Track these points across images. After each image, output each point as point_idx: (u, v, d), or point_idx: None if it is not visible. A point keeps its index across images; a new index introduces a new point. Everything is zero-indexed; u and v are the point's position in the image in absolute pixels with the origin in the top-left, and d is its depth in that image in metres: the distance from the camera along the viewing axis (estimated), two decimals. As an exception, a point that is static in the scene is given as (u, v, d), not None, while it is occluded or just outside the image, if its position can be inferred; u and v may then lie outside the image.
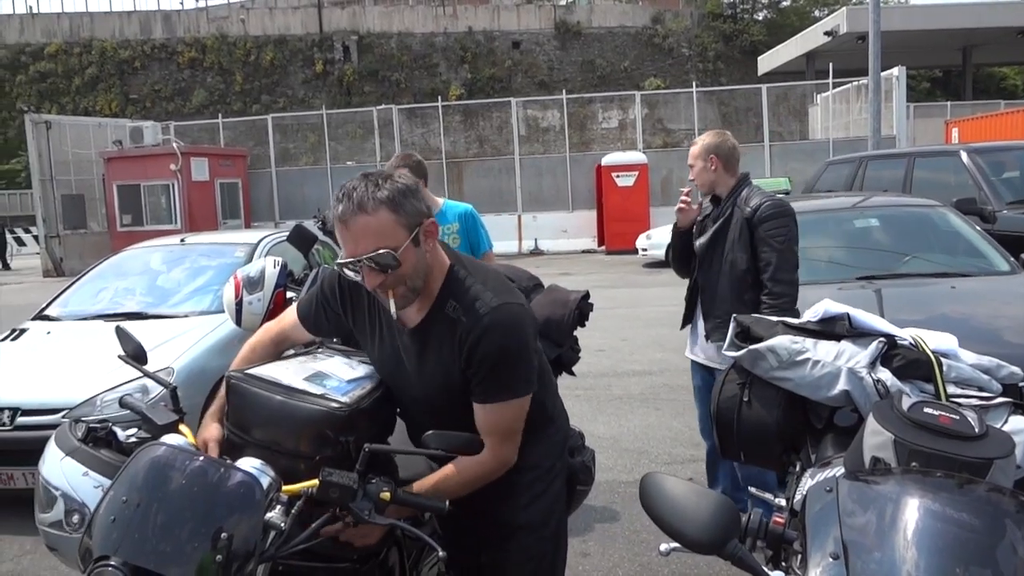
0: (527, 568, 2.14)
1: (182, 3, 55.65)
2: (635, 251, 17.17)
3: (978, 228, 5.58)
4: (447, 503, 1.91)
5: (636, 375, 7.06)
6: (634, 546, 3.83)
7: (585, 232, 20.70)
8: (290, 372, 1.96)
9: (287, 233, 5.51)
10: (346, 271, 1.87)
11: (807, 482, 1.75)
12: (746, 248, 3.47)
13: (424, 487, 1.95)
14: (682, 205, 3.75)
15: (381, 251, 1.79)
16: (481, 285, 1.95)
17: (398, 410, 2.15)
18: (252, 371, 1.96)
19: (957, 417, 1.64)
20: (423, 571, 2.50)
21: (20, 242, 30.43)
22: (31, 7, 41.52)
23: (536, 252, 20.34)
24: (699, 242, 3.73)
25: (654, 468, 4.84)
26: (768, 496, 2.38)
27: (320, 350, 2.20)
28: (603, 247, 19.93)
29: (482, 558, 2.18)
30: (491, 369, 1.91)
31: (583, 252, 20.21)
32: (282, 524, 1.69)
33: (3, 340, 5.32)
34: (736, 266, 3.50)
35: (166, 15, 40.51)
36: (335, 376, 1.97)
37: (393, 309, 1.86)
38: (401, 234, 1.82)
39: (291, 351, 3.40)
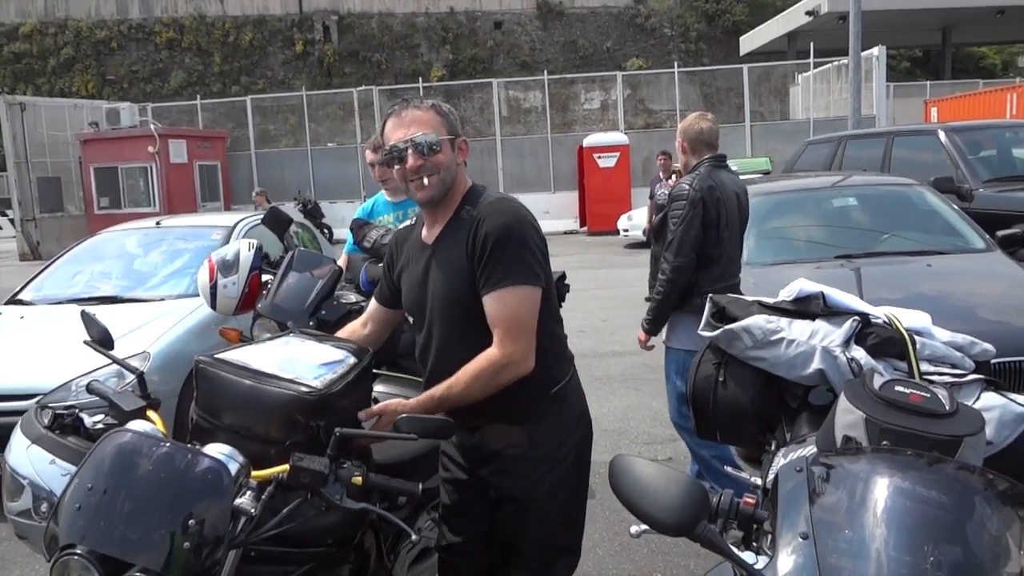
0: (538, 540, 2.20)
1: (158, -18, 54.66)
2: (617, 232, 17.17)
3: (955, 207, 5.61)
4: (420, 487, 1.89)
5: (616, 356, 7.07)
6: (613, 525, 3.85)
7: (567, 213, 20.67)
8: (261, 356, 1.93)
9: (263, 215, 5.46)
10: (392, 158, 2.11)
11: (779, 461, 1.75)
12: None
13: (433, 396, 2.05)
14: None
15: (427, 133, 2.07)
16: (493, 193, 2.20)
17: (419, 336, 2.25)
18: (222, 355, 1.93)
19: (928, 395, 1.64)
20: (400, 554, 2.50)
21: (-5, 226, 29.95)
22: (3, -14, 40.68)
23: (518, 233, 20.29)
24: (653, 221, 3.99)
25: (634, 448, 4.86)
26: (744, 476, 2.39)
27: (293, 335, 2.17)
28: (585, 228, 19.92)
29: (498, 533, 2.25)
30: (494, 248, 2.02)
31: (565, 233, 20.18)
32: (252, 510, 1.68)
33: (-25, 325, 5.25)
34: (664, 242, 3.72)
35: (142, -6, 39.80)
36: (306, 361, 1.95)
37: (430, 190, 2.09)
38: (443, 131, 2.12)
39: (266, 336, 3.37)
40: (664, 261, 3.55)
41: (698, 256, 3.54)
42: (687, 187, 3.55)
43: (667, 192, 8.41)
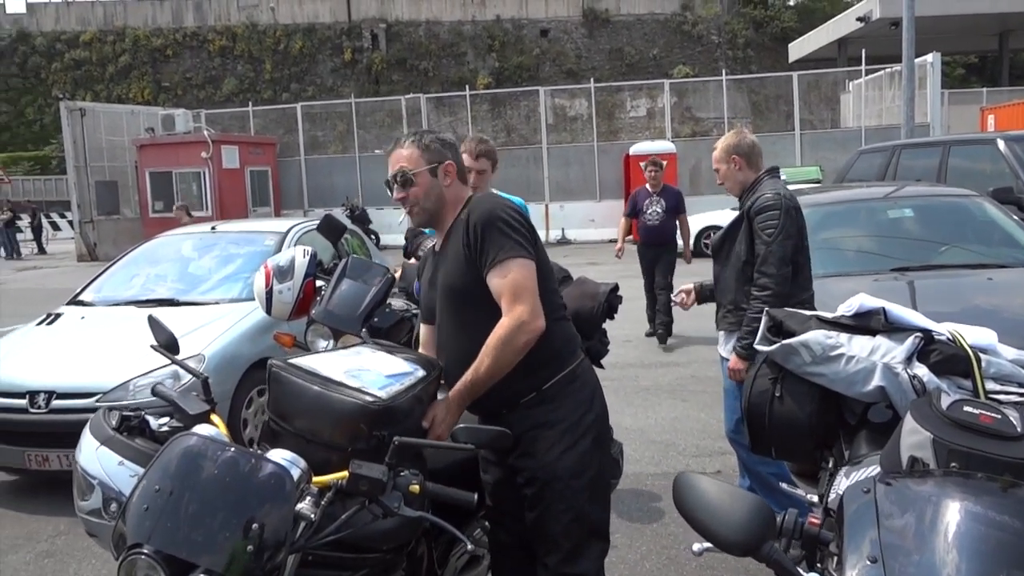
0: (565, 518, 2.27)
1: (212, -9, 55.89)
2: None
3: (1015, 218, 5.45)
4: (475, 496, 1.90)
5: (663, 366, 7.02)
6: (662, 539, 3.81)
7: (612, 222, 20.47)
8: (332, 364, 1.97)
9: (316, 222, 5.54)
10: (389, 189, 2.39)
11: (842, 481, 1.72)
12: (747, 240, 3.49)
13: (466, 382, 2.19)
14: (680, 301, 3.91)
15: (401, 169, 2.33)
16: (479, 196, 2.45)
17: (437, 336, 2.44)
18: (294, 360, 1.98)
19: (998, 416, 1.60)
20: (450, 562, 2.51)
21: (55, 227, 30.92)
22: (66, -4, 42.05)
23: (563, 241, 20.27)
24: (715, 236, 3.76)
25: (681, 460, 4.81)
26: (800, 493, 2.35)
27: (366, 345, 2.22)
28: (630, 237, 19.79)
29: (526, 517, 2.33)
30: (482, 233, 2.23)
31: (610, 241, 20.08)
32: (312, 515, 1.70)
33: (39, 324, 5.41)
34: (739, 258, 3.53)
35: (197, 3, 40.80)
36: (375, 371, 1.98)
37: (410, 220, 2.43)
38: (421, 163, 2.33)
39: (320, 341, 3.42)
40: (764, 275, 3.35)
41: None
42: (773, 198, 3.41)
43: (659, 210, 7.96)
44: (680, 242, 8.40)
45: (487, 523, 2.51)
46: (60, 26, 40.86)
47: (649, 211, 8.08)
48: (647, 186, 8.24)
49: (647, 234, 8.14)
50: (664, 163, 8.46)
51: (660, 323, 8.01)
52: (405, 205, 2.36)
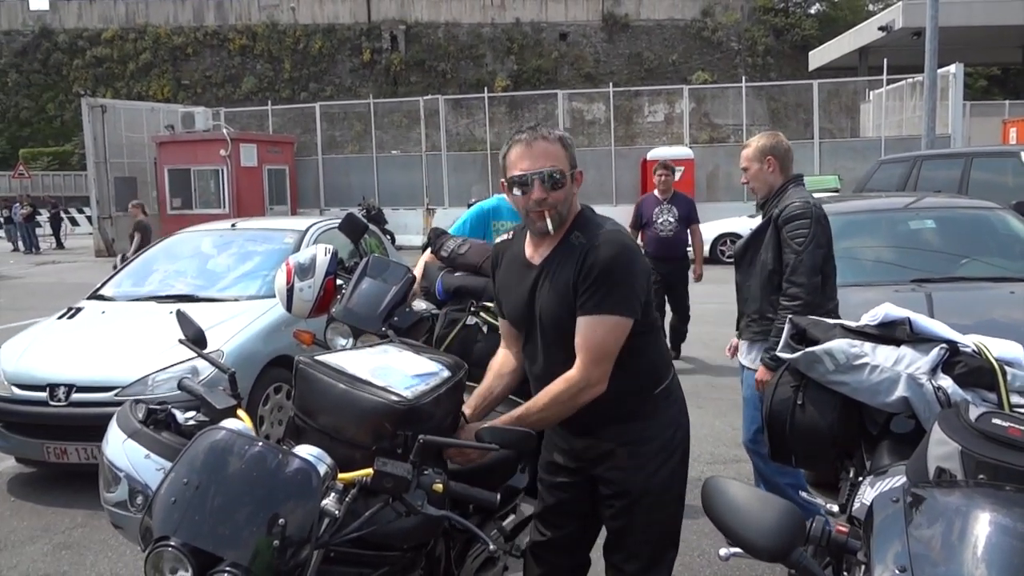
0: (653, 532, 2.28)
1: (234, -10, 56.28)
2: (679, 247, 16.99)
3: (1039, 232, 5.41)
4: (497, 497, 1.91)
5: (679, 373, 6.98)
6: (676, 545, 3.80)
7: (628, 227, 20.56)
8: (358, 362, 1.98)
9: (336, 220, 5.56)
10: (515, 185, 2.16)
11: (866, 490, 1.72)
12: (773, 248, 3.43)
13: (511, 418, 2.13)
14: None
15: (556, 168, 2.13)
16: (603, 222, 2.26)
17: (526, 347, 2.32)
18: (321, 358, 1.99)
19: (1027, 429, 1.59)
20: (467, 562, 2.52)
21: (74, 222, 31.19)
22: (89, -7, 42.46)
23: (578, 245, 20.23)
24: (737, 244, 3.70)
25: (696, 467, 4.79)
26: (819, 502, 2.35)
27: (392, 344, 2.22)
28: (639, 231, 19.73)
29: (608, 525, 2.34)
30: (598, 277, 2.09)
31: (626, 246, 20.08)
32: (337, 512, 1.71)
33: (60, 318, 5.47)
34: (765, 266, 3.47)
35: (218, 2, 41.12)
36: (401, 370, 1.99)
37: (550, 226, 2.15)
38: (567, 164, 2.18)
39: (340, 340, 3.44)
40: (793, 284, 3.30)
41: None
42: (802, 206, 3.37)
43: (672, 220, 7.10)
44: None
45: (533, 521, 2.50)
46: (82, 23, 41.27)
47: (660, 221, 7.22)
48: (655, 193, 7.40)
49: (658, 247, 7.21)
50: (676, 168, 7.52)
51: (674, 335, 7.41)
52: (543, 206, 2.13)
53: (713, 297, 8.47)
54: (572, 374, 2.11)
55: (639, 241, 7.02)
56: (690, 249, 7.54)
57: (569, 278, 2.14)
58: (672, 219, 7.19)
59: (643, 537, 2.28)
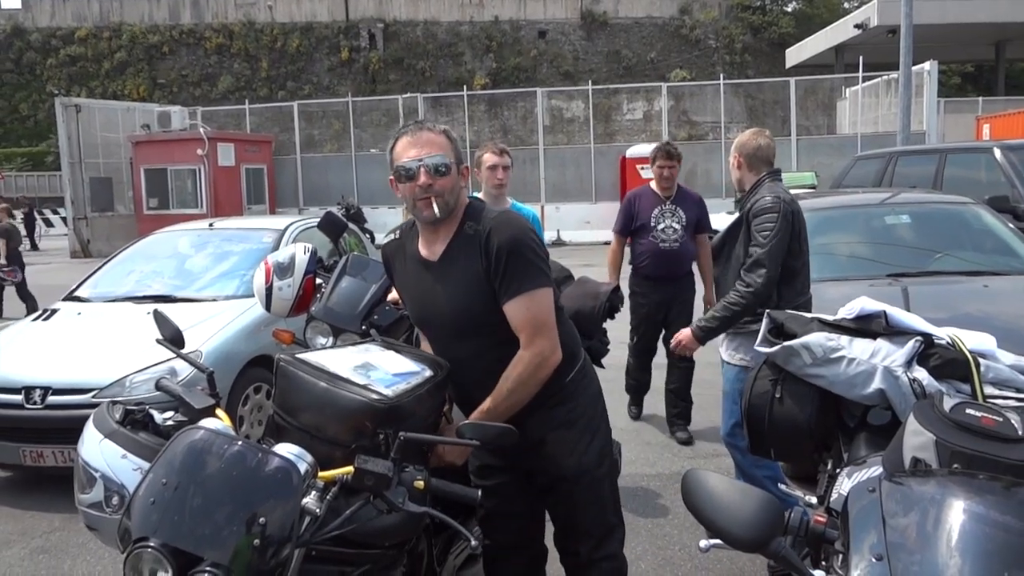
0: (594, 508, 2.36)
1: (210, -12, 55.81)
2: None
3: (1011, 226, 5.49)
4: (479, 493, 1.92)
5: (659, 368, 6.98)
6: (657, 539, 3.83)
7: (608, 223, 20.28)
8: (339, 361, 1.97)
9: (314, 219, 5.53)
10: (401, 174, 2.18)
11: (844, 481, 1.74)
12: (746, 243, 3.48)
13: (480, 413, 2.16)
14: None
15: (442, 154, 2.17)
16: (489, 210, 2.29)
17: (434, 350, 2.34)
18: (302, 355, 1.98)
19: (1000, 419, 1.62)
20: (449, 559, 2.52)
21: (48, 223, 30.78)
22: (62, -9, 41.92)
23: (558, 243, 20.28)
24: (715, 238, 3.75)
25: (677, 462, 4.83)
26: (798, 494, 2.37)
27: (374, 343, 2.22)
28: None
29: (553, 513, 2.41)
30: (508, 259, 2.14)
31: (605, 243, 20.11)
32: (317, 510, 1.71)
33: (35, 320, 5.40)
34: (739, 260, 3.52)
35: (194, 0, 40.73)
36: (382, 368, 1.99)
37: (437, 212, 2.16)
38: (452, 156, 2.21)
39: (319, 339, 3.42)
40: (750, 273, 3.35)
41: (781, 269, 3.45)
42: (772, 201, 3.41)
43: (677, 226, 5.01)
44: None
45: (480, 527, 2.52)
46: (56, 22, 40.73)
47: (662, 227, 5.12)
48: (653, 187, 5.24)
49: (658, 263, 5.14)
50: (681, 156, 5.29)
51: (675, 413, 5.36)
52: (427, 192, 2.15)
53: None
54: (523, 353, 2.16)
55: (626, 251, 5.36)
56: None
57: (476, 268, 2.17)
58: (678, 225, 5.11)
59: (589, 517, 2.35)
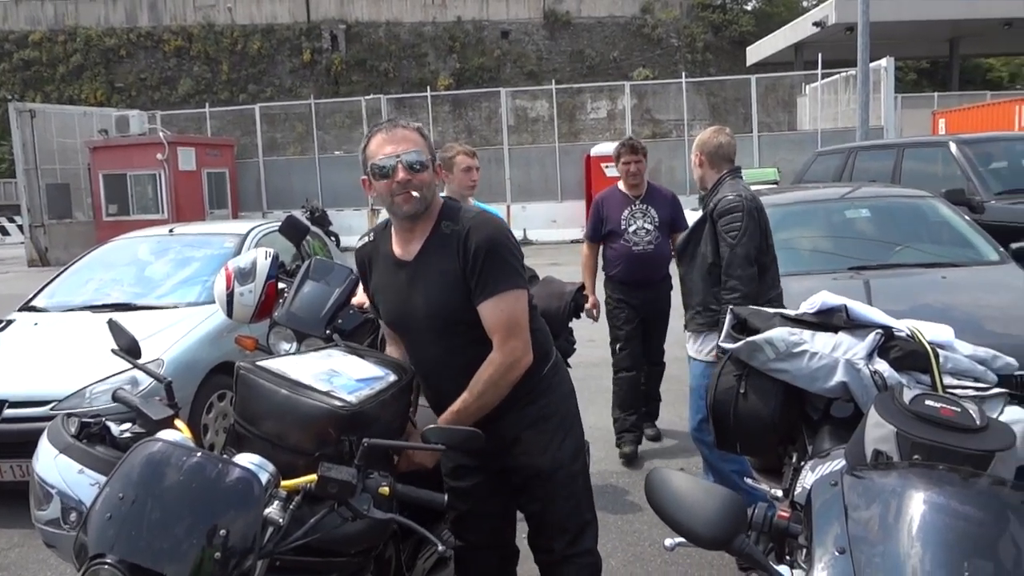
0: (568, 504, 2.36)
1: (167, -9, 55.03)
2: (624, 241, 17.14)
3: (967, 218, 5.60)
4: (445, 497, 1.90)
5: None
6: (627, 535, 3.84)
7: (574, 222, 20.64)
8: (301, 368, 1.94)
9: (277, 224, 5.46)
10: (377, 172, 2.16)
11: (807, 475, 1.75)
12: (711, 242, 3.50)
13: (451, 413, 2.15)
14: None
15: (418, 150, 2.16)
16: (466, 209, 2.31)
17: (408, 350, 2.33)
18: (263, 363, 1.95)
19: (958, 410, 1.64)
20: (418, 564, 2.50)
21: (3, 231, 30.12)
22: (14, -6, 41.00)
23: (525, 242, 20.30)
24: (679, 238, 3.78)
25: (645, 459, 4.85)
26: (764, 488, 2.39)
27: (337, 348, 2.19)
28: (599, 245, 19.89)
29: (528, 511, 2.41)
30: (485, 259, 2.14)
31: (572, 242, 20.19)
32: (280, 520, 1.68)
33: (-11, 332, 5.26)
34: (704, 259, 3.55)
35: (152, 3, 40.03)
36: (345, 374, 1.96)
37: (417, 204, 2.16)
38: (427, 153, 2.20)
39: (283, 344, 3.37)
40: (731, 277, 3.36)
41: None
42: (735, 200, 3.42)
43: (650, 227, 4.68)
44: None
45: (452, 528, 2.51)
46: (8, 25, 39.79)
47: (633, 229, 4.79)
48: (621, 187, 4.97)
49: (632, 268, 4.82)
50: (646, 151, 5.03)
51: (644, 412, 5.11)
52: (406, 188, 2.14)
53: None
54: (495, 355, 2.16)
55: (599, 258, 5.03)
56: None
57: (452, 267, 2.17)
58: (650, 226, 4.80)
59: (564, 511, 2.36)
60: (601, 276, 5.02)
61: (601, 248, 5.00)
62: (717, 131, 3.72)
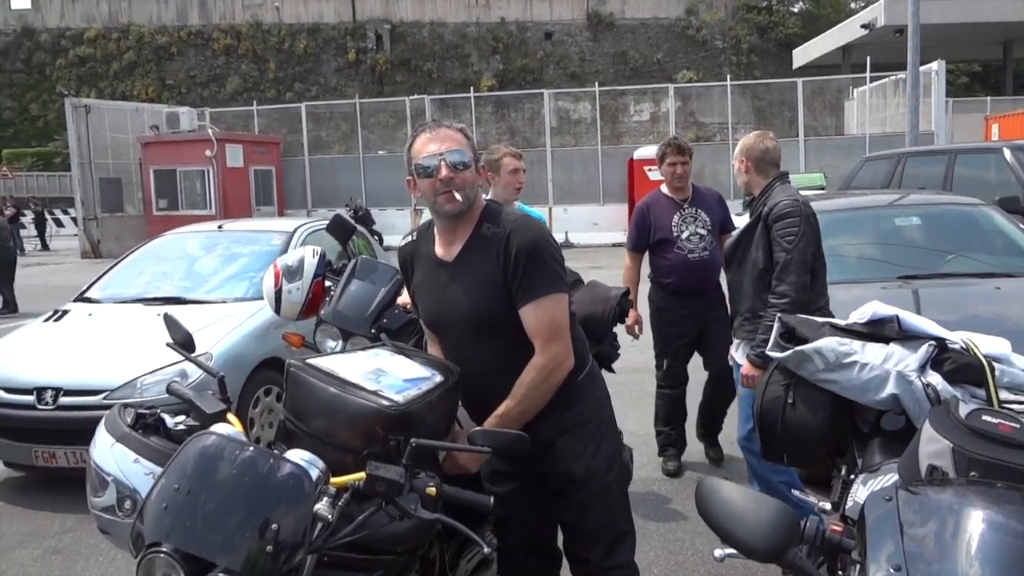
0: (604, 514, 2.34)
1: (218, -10, 56.07)
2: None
3: (1022, 227, 5.45)
4: (491, 499, 1.91)
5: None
6: (669, 544, 3.81)
7: (616, 225, 20.55)
8: (349, 366, 1.97)
9: (323, 222, 5.53)
10: (421, 171, 2.18)
11: (859, 489, 1.73)
12: (764, 247, 3.43)
13: (492, 423, 2.15)
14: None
15: (461, 149, 2.17)
16: (508, 212, 2.29)
17: (446, 351, 2.33)
18: (312, 361, 1.98)
19: (1017, 425, 1.60)
20: (461, 565, 2.51)
21: (59, 223, 30.95)
22: (71, -8, 42.13)
23: (566, 245, 20.27)
24: (727, 243, 3.71)
25: (687, 466, 4.81)
26: (812, 500, 2.36)
27: (385, 347, 2.21)
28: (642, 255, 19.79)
29: (563, 519, 2.39)
30: (526, 263, 2.13)
31: (613, 245, 20.09)
32: (329, 516, 1.70)
33: (46, 321, 5.42)
34: (756, 265, 3.48)
35: (202, 1, 40.87)
36: (392, 374, 1.98)
37: (459, 199, 2.15)
38: (470, 152, 2.20)
39: (329, 342, 3.42)
40: (781, 283, 3.29)
41: None
42: (791, 204, 3.36)
43: (703, 231, 4.41)
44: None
45: (494, 530, 2.52)
46: (65, 22, 40.94)
47: (686, 236, 4.46)
48: (664, 191, 4.63)
49: (687, 276, 4.48)
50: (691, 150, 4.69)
51: (706, 433, 4.86)
52: (448, 187, 2.14)
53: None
54: (537, 359, 2.16)
55: (649, 269, 4.66)
56: None
57: (493, 269, 2.16)
58: (703, 230, 4.50)
59: (599, 521, 2.34)
60: (644, 288, 4.73)
61: (647, 257, 4.68)
62: (761, 136, 3.66)
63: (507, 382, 2.18)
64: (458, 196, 2.14)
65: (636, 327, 4.39)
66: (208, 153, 19.63)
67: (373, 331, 3.38)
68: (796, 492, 2.49)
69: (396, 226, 19.88)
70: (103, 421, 2.10)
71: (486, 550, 1.80)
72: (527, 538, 2.43)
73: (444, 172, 2.14)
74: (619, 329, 3.22)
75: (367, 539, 1.82)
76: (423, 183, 2.19)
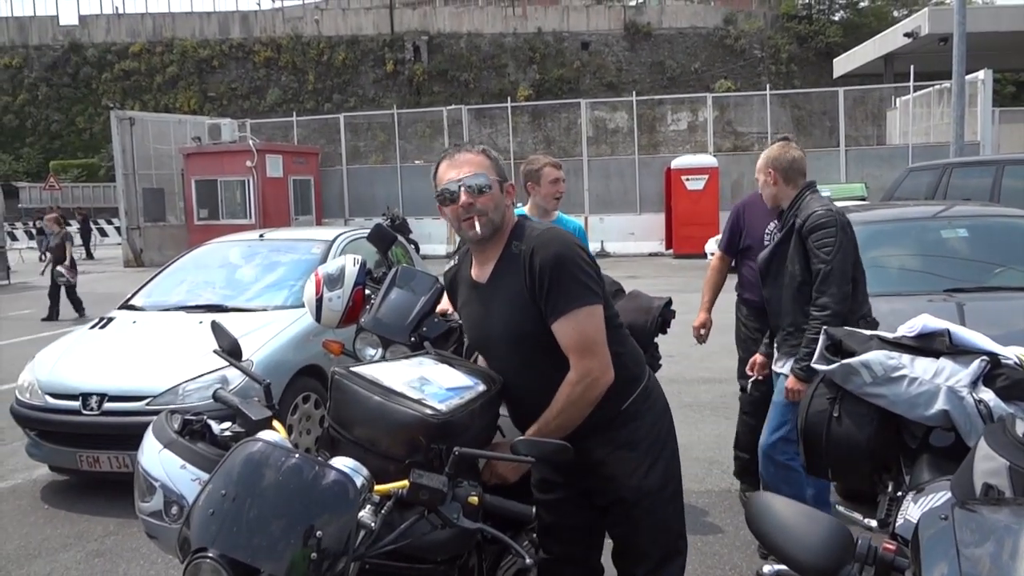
0: (657, 532, 2.29)
1: (259, 4, 57.24)
2: (703, 255, 16.89)
3: (1074, 241, 5.31)
4: (533, 509, 1.90)
5: (706, 383, 6.94)
6: (707, 559, 3.76)
7: (653, 235, 20.49)
8: (394, 374, 1.98)
9: (362, 231, 5.58)
10: (443, 198, 2.18)
11: (911, 507, 1.69)
12: (800, 259, 3.35)
13: (532, 434, 2.11)
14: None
15: (479, 173, 2.15)
16: (532, 227, 2.25)
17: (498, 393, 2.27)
18: (356, 369, 1.99)
19: (1076, 445, 1.55)
20: (499, 573, 2.51)
21: (103, 233, 31.64)
22: (117, 7, 43.24)
23: (602, 254, 20.21)
24: (761, 256, 3.63)
25: (725, 479, 4.75)
26: (857, 516, 2.31)
27: (428, 356, 2.22)
28: (670, 251, 19.69)
29: (612, 532, 2.36)
30: (551, 278, 2.10)
31: (650, 255, 20.00)
32: (372, 524, 1.71)
33: (92, 328, 5.53)
34: (794, 278, 3.39)
35: (244, 15, 41.69)
36: (436, 383, 1.98)
37: (479, 230, 2.15)
38: (492, 174, 2.19)
39: (368, 350, 3.45)
40: (823, 294, 3.21)
41: None
42: (826, 214, 3.29)
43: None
44: None
45: (536, 535, 2.51)
46: (111, 38, 42.00)
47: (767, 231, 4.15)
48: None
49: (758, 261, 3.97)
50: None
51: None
52: (470, 212, 2.15)
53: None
54: (571, 375, 2.13)
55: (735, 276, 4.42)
56: None
57: (520, 287, 2.15)
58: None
59: (648, 539, 2.30)
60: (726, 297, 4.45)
61: (734, 263, 4.37)
62: (785, 146, 3.58)
63: (550, 397, 2.16)
64: (477, 225, 2.15)
65: (702, 330, 4.38)
66: (248, 163, 19.94)
67: (412, 339, 3.40)
68: (841, 508, 2.44)
69: (432, 235, 20.01)
70: (150, 427, 2.13)
71: (528, 560, 1.79)
72: (571, 548, 2.40)
73: (464, 198, 2.15)
74: (662, 339, 3.19)
75: (408, 547, 1.82)
76: (447, 209, 2.21)
